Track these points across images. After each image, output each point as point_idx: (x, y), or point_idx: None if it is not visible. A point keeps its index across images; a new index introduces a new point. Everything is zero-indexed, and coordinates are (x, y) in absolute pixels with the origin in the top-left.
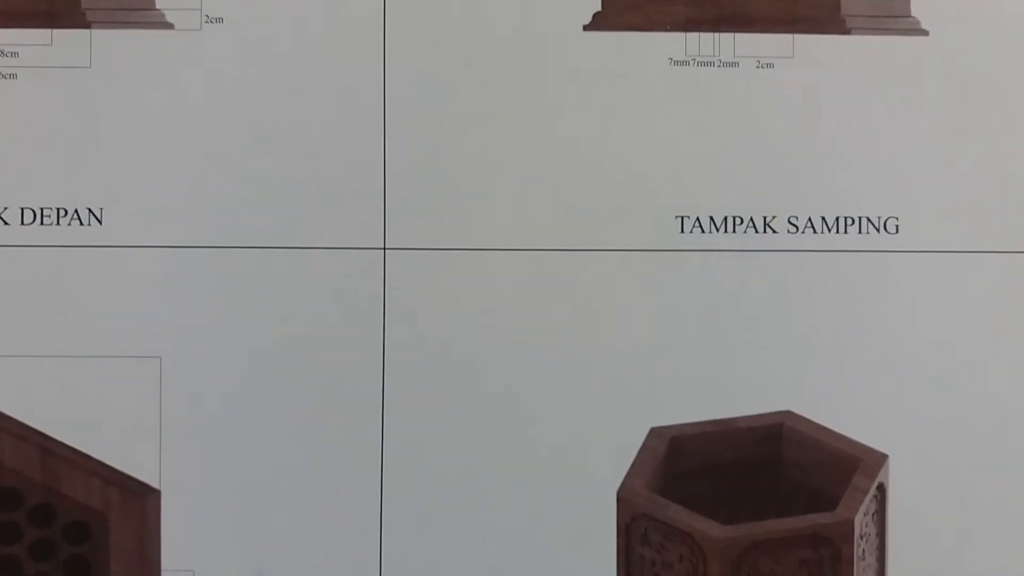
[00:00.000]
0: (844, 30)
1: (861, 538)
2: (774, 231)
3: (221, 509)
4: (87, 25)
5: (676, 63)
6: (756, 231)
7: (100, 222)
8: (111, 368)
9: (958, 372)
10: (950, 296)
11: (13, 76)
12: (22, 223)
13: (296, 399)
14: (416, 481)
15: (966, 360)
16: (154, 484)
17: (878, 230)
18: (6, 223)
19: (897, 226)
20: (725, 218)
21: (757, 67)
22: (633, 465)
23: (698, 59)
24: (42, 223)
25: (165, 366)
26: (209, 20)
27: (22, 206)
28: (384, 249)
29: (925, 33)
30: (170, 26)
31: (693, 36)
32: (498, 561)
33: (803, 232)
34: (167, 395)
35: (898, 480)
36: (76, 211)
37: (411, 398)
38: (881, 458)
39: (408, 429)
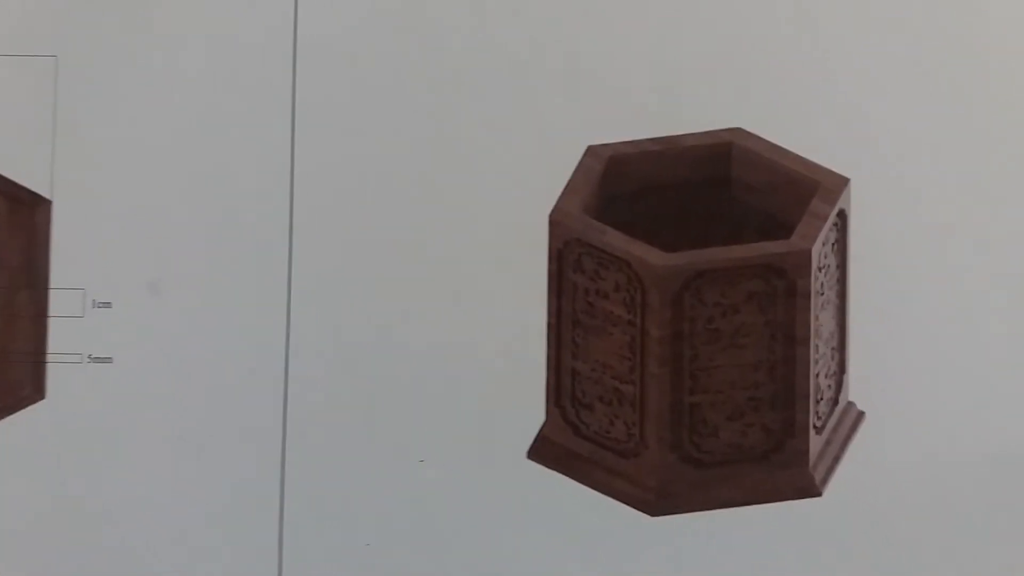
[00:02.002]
0: None
1: (819, 270)
2: None
3: (116, 221)
4: None
5: None
6: None
7: None
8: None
9: (927, 87)
10: None
11: None
12: None
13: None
14: None
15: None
16: (45, 194)
17: None
18: None
19: None
20: None
21: None
22: (567, 186)
23: None
24: None
25: (62, 64)
26: None
27: None
28: None
29: None
30: None
31: None
32: (426, 294)
33: None
34: (63, 95)
35: (861, 206)
36: None
37: None
38: (842, 181)
39: None
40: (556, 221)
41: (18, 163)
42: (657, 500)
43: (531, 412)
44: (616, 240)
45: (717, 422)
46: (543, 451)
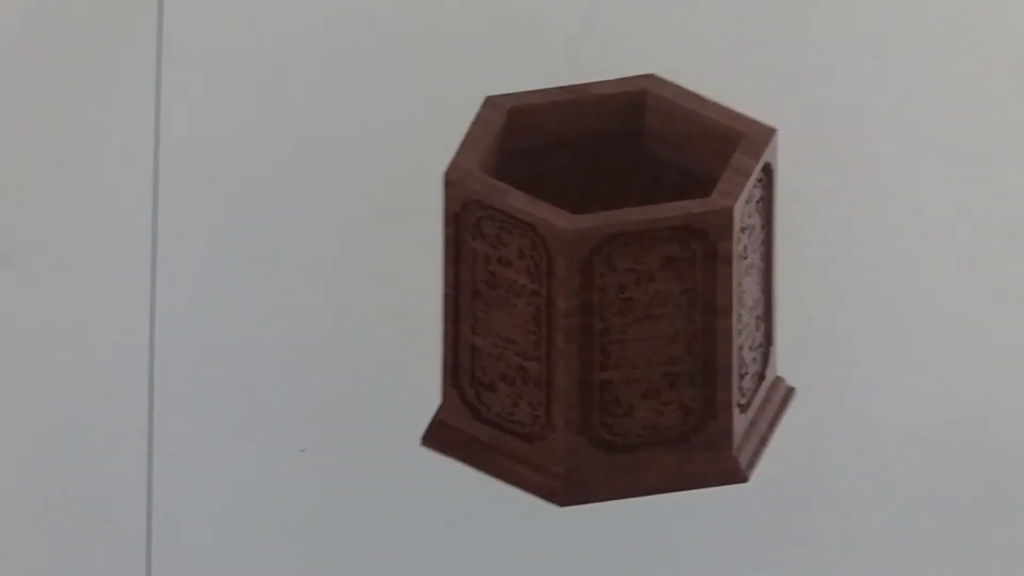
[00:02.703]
0: None
1: (742, 231)
2: None
3: None
4: None
5: None
6: None
7: None
8: None
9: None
10: None
11: None
12: None
13: None
14: None
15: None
16: None
17: None
18: None
19: None
20: None
21: None
22: (464, 141)
23: None
24: None
25: None
26: None
27: None
28: None
29: None
30: None
31: None
32: (304, 264)
33: None
34: None
35: (788, 160)
36: None
37: None
38: (767, 132)
39: None
40: (452, 180)
41: None
42: (565, 488)
43: (425, 394)
44: (519, 202)
45: (631, 401)
46: (439, 437)
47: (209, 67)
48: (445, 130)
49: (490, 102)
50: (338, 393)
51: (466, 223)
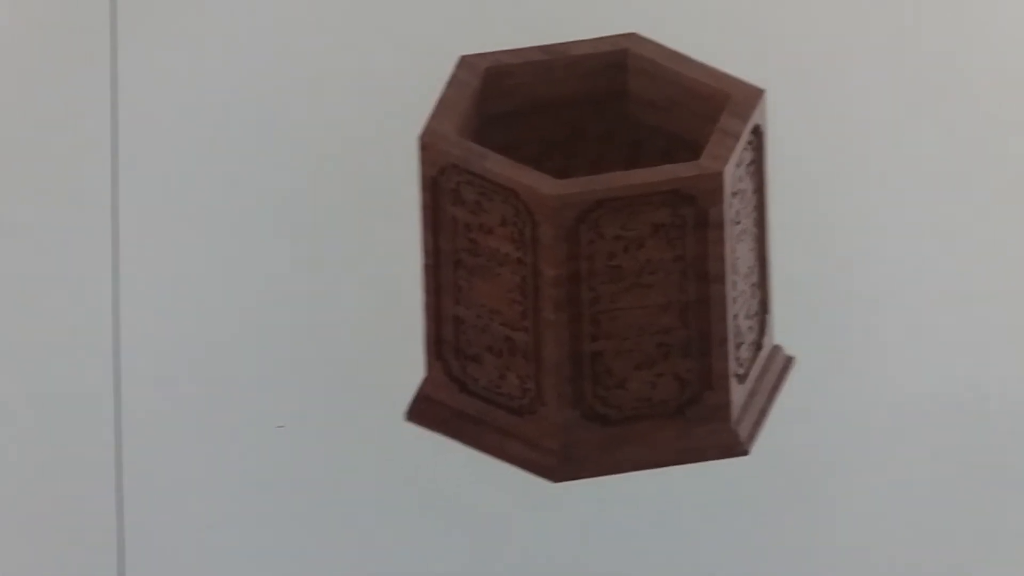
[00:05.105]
0: None
1: (734, 196)
2: None
3: None
4: None
5: None
6: None
7: None
8: None
9: None
10: None
11: None
12: None
13: None
14: None
15: None
16: None
17: None
18: None
19: None
20: None
21: None
22: (438, 104)
23: None
24: None
25: None
26: None
27: None
28: None
29: None
30: None
31: None
32: (278, 233)
33: None
34: None
35: (778, 122)
36: None
37: None
38: (755, 93)
39: None
40: (428, 144)
41: None
42: (559, 464)
43: (408, 367)
44: (499, 166)
45: (624, 373)
46: (424, 411)
47: (168, 39)
48: (418, 91)
49: (464, 62)
50: (316, 367)
51: (444, 189)
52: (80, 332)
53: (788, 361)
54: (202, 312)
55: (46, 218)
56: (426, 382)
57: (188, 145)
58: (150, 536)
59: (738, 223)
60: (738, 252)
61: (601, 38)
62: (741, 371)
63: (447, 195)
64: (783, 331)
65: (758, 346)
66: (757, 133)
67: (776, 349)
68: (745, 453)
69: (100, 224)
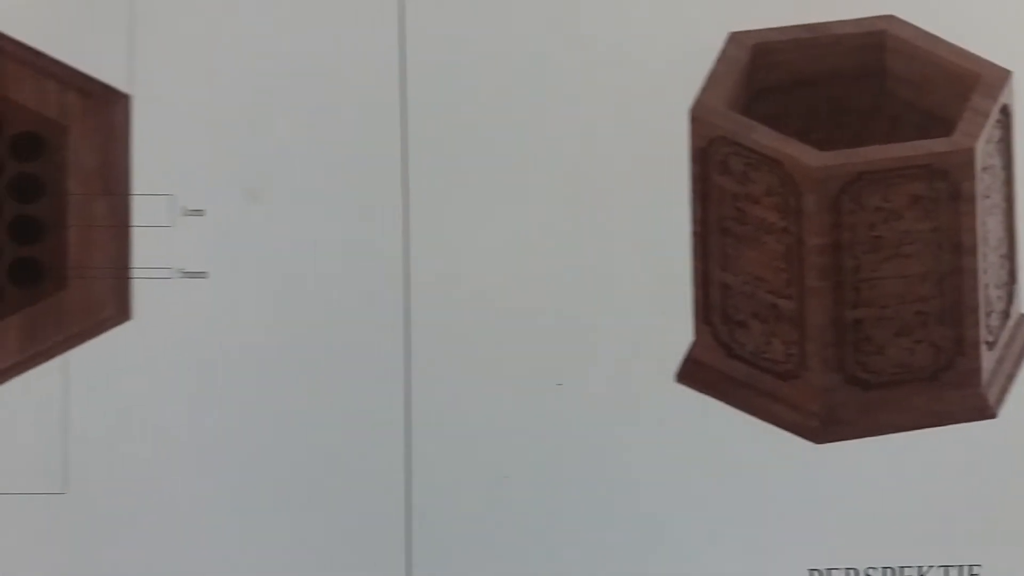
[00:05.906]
0: None
1: (984, 171)
2: None
3: (206, 118)
4: None
5: None
6: None
7: None
8: None
9: None
10: None
11: None
12: None
13: None
14: None
15: None
16: (123, 88)
17: None
18: None
19: None
20: None
21: None
22: (708, 78)
23: None
24: None
25: None
26: None
27: None
28: None
29: None
30: None
31: None
32: (557, 202)
33: None
34: None
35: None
36: None
37: None
38: (1003, 74)
39: None
40: (698, 117)
41: (90, 54)
42: (823, 427)
43: (678, 331)
44: (766, 138)
45: (883, 339)
46: (694, 374)
47: (453, 15)
48: (690, 66)
49: (734, 38)
50: (593, 330)
51: (713, 160)
52: (369, 281)
53: None
54: (488, 276)
55: None
56: (695, 345)
57: (468, 117)
58: (437, 484)
59: (988, 197)
60: (988, 225)
61: (861, 19)
62: (991, 338)
63: (715, 166)
64: None
65: (1006, 314)
66: (1005, 112)
67: (1023, 317)
68: (994, 416)
69: None
